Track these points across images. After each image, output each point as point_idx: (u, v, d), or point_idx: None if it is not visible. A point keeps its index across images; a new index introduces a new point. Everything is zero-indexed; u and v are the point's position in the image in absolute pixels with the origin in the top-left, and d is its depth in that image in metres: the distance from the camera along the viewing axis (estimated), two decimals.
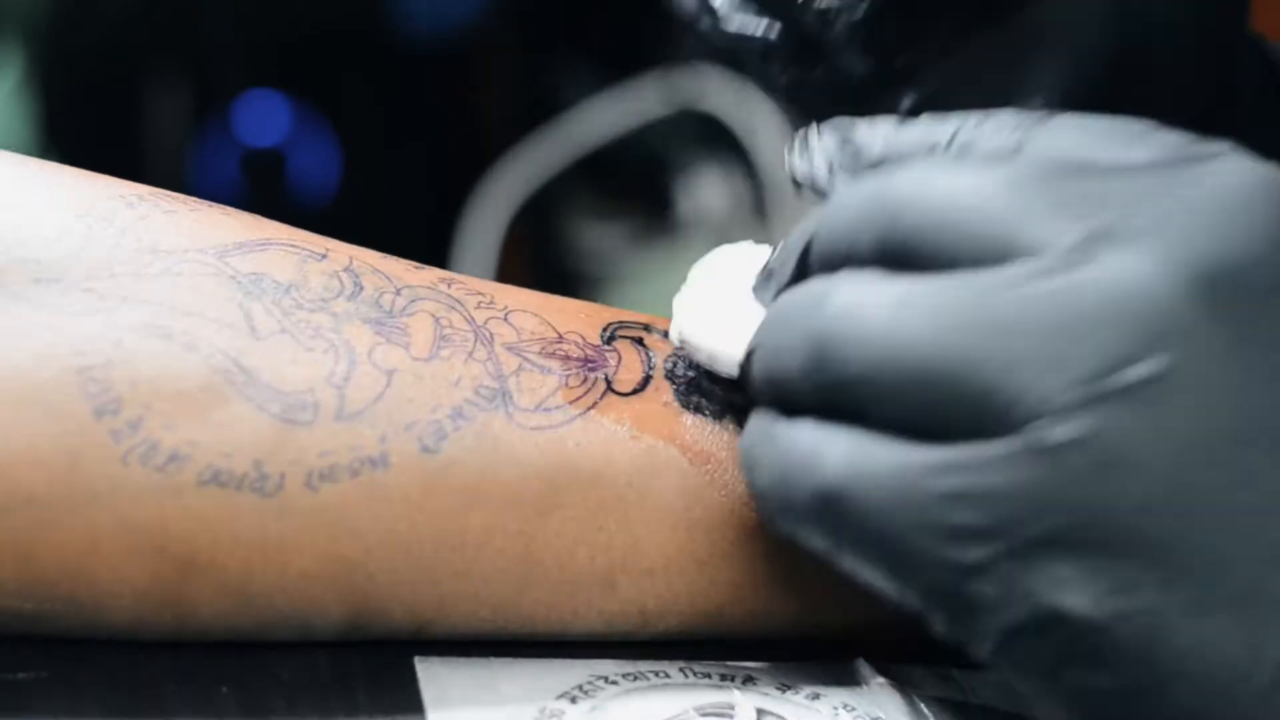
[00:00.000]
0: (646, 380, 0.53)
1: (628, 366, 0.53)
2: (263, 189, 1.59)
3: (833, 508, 0.45)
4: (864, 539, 0.44)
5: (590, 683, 0.49)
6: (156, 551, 0.47)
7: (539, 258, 1.57)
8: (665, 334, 0.54)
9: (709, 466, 0.52)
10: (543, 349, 0.52)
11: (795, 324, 0.47)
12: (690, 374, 0.53)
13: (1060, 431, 0.42)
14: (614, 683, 0.49)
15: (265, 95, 1.61)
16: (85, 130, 1.57)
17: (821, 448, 0.45)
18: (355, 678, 0.48)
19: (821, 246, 0.48)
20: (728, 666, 0.51)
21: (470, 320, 0.52)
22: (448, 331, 0.51)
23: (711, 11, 0.62)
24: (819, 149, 0.51)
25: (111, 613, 0.47)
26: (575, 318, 0.54)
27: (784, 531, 0.47)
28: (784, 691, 0.50)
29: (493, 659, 0.49)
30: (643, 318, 0.55)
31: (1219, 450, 0.42)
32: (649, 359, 0.53)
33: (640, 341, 0.54)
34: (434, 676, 0.49)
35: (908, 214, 0.46)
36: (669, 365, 0.53)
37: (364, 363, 0.49)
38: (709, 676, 0.50)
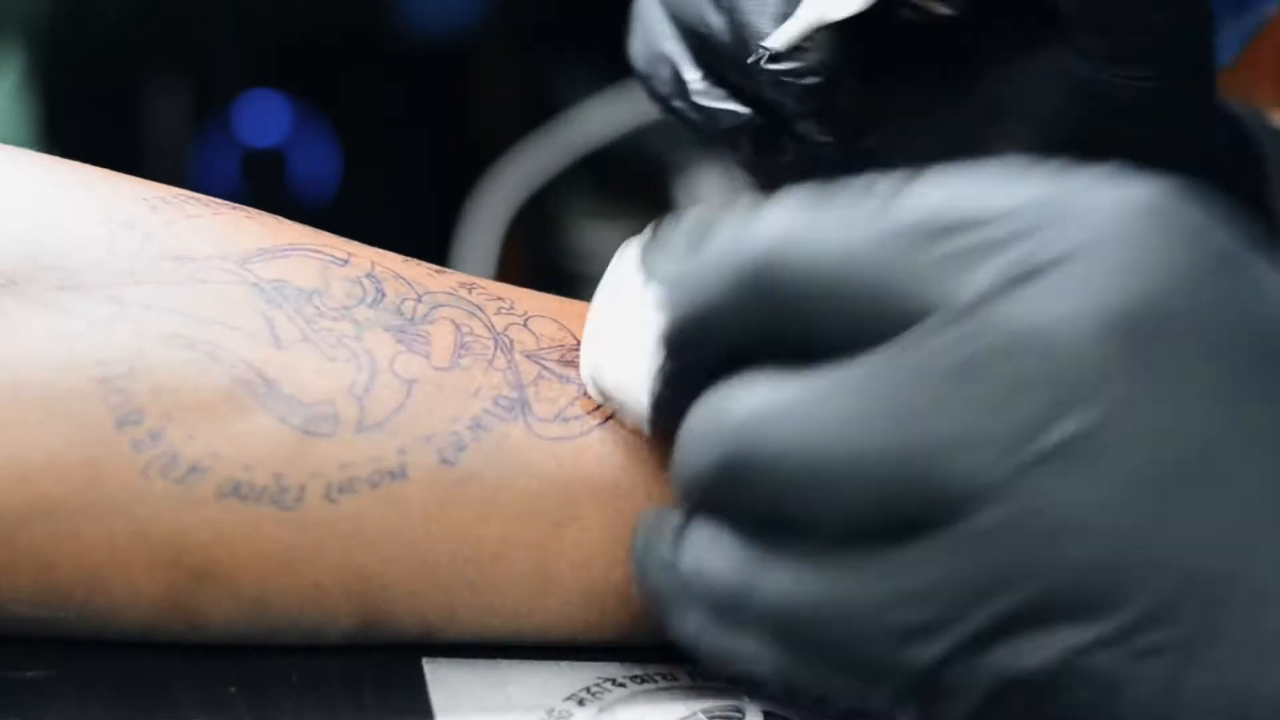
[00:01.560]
0: None
1: None
2: (263, 189, 1.59)
3: (785, 637, 0.42)
4: (821, 659, 0.42)
5: (598, 685, 0.49)
6: (172, 562, 0.46)
7: (539, 258, 1.57)
8: None
9: None
10: (561, 356, 0.51)
11: (705, 441, 0.44)
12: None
13: (990, 514, 0.40)
14: (621, 685, 0.49)
15: (265, 95, 1.61)
16: (85, 130, 1.57)
17: (760, 580, 0.43)
18: (364, 680, 0.48)
19: (701, 329, 0.45)
20: None
21: (490, 327, 0.51)
22: (468, 339, 0.50)
23: (684, 91, 0.60)
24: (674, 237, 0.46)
25: (124, 619, 0.47)
26: None
27: (723, 667, 0.44)
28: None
29: (501, 661, 0.49)
30: None
31: (1160, 495, 0.40)
32: None
33: None
34: (442, 679, 0.49)
35: (782, 291, 0.42)
36: None
37: (385, 373, 0.49)
38: (717, 680, 0.50)
